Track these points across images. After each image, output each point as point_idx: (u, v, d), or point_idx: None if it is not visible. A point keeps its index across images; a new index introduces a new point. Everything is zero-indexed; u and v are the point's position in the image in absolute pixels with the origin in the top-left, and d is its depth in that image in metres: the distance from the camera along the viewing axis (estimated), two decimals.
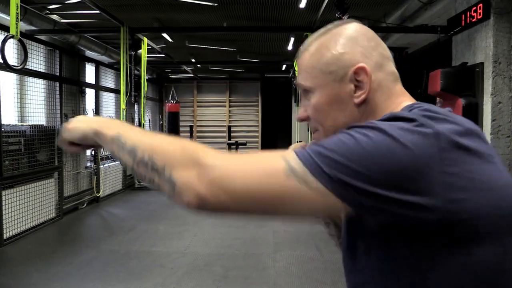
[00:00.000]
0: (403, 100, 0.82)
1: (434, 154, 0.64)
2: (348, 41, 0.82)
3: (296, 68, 8.58)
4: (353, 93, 0.80)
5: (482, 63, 3.85)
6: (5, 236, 5.19)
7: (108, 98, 8.86)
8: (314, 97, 0.83)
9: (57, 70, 6.65)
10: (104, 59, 8.16)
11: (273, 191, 0.67)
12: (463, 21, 4.08)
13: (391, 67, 0.84)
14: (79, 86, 7.40)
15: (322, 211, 0.70)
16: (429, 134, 0.65)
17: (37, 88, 6.15)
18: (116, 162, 8.51)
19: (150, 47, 7.16)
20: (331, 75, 0.81)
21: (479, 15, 3.80)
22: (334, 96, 0.81)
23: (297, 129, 10.86)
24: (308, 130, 9.50)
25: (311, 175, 0.66)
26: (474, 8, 3.87)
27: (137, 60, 6.61)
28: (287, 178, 0.66)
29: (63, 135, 0.92)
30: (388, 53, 0.84)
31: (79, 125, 0.89)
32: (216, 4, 5.42)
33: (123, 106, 6.20)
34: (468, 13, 3.98)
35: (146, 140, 0.75)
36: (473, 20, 3.90)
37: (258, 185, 0.67)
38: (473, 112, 3.80)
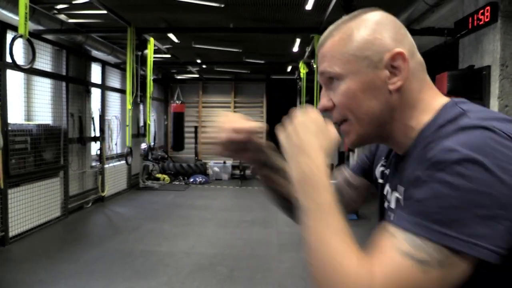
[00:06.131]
0: (436, 94, 0.80)
1: None
2: (380, 26, 0.78)
3: (302, 69, 8.59)
4: (387, 80, 0.77)
5: (489, 66, 3.84)
6: (11, 234, 5.22)
7: (114, 98, 8.89)
8: (344, 83, 0.78)
9: (64, 70, 6.68)
10: (111, 59, 8.19)
11: None
12: (470, 24, 4.06)
13: (419, 56, 0.81)
14: (86, 85, 7.43)
15: (462, 279, 0.64)
16: None
17: (44, 87, 6.19)
18: (121, 162, 8.55)
19: (156, 47, 7.19)
20: (365, 60, 0.77)
21: (487, 18, 3.79)
22: (369, 83, 0.77)
23: None
24: None
25: (440, 255, 0.61)
26: (482, 11, 3.86)
27: (143, 60, 6.63)
28: (422, 275, 0.62)
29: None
30: (414, 43, 0.82)
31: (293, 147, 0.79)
32: (223, 5, 5.43)
33: (129, 106, 6.22)
34: (475, 15, 3.97)
35: (319, 236, 0.70)
36: (481, 23, 3.89)
37: None
38: None
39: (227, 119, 0.97)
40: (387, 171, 0.92)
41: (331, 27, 0.83)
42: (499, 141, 0.64)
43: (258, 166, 1.03)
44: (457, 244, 0.61)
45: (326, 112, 0.83)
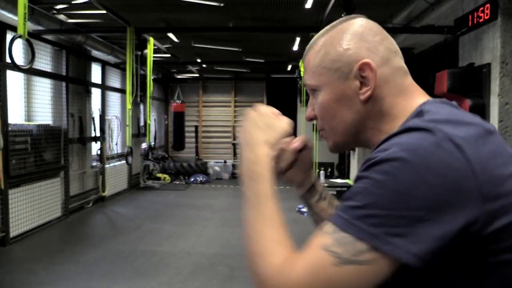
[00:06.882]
0: (416, 96, 0.79)
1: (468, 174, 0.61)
2: (353, 36, 0.79)
3: (302, 68, 8.58)
4: (358, 90, 0.78)
5: (489, 64, 3.84)
6: (11, 235, 5.22)
7: (114, 98, 8.90)
8: (320, 95, 0.82)
9: (64, 70, 6.68)
10: (111, 59, 8.19)
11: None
12: (470, 22, 4.06)
13: (399, 61, 0.80)
14: (86, 85, 7.43)
15: (382, 279, 0.64)
16: (454, 154, 0.62)
17: (44, 87, 6.19)
18: (122, 162, 8.54)
19: (156, 47, 7.18)
20: (336, 72, 0.79)
21: (487, 15, 3.78)
22: (340, 94, 0.79)
23: (303, 129, 10.85)
24: (313, 130, 9.49)
25: (358, 251, 0.62)
26: (482, 8, 3.85)
27: (143, 60, 6.63)
28: (338, 268, 0.63)
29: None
30: (396, 47, 0.81)
31: (247, 137, 0.85)
32: (222, 4, 5.43)
33: (129, 106, 6.22)
34: (475, 13, 3.96)
35: (253, 225, 0.75)
36: (481, 20, 3.88)
37: None
38: (480, 113, 3.79)
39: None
40: None
41: (316, 36, 0.85)
42: (436, 143, 0.62)
43: (308, 190, 0.99)
44: (376, 241, 0.61)
45: (312, 121, 0.88)
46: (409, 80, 0.80)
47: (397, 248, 0.60)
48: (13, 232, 5.26)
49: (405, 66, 0.81)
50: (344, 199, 0.67)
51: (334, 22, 0.84)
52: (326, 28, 0.84)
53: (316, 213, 1.00)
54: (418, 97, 0.78)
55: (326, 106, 0.81)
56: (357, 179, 0.66)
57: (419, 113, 0.72)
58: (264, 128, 0.85)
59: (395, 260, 0.61)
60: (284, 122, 0.88)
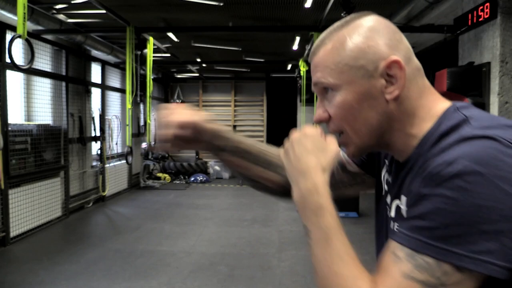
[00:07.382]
0: (437, 99, 0.77)
1: None
2: (373, 33, 0.75)
3: (302, 67, 8.58)
4: (384, 89, 0.74)
5: (489, 63, 3.83)
6: (12, 235, 5.23)
7: (114, 98, 8.90)
8: (340, 95, 0.76)
9: (64, 70, 6.68)
10: (110, 58, 8.18)
11: None
12: (469, 21, 4.06)
13: (416, 60, 0.78)
14: (85, 85, 7.43)
15: None
16: None
17: (43, 87, 6.19)
18: (122, 161, 8.54)
19: (156, 46, 7.17)
20: (360, 70, 0.74)
21: (486, 14, 3.78)
22: (365, 93, 0.74)
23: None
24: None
25: (443, 273, 0.60)
26: (481, 7, 3.85)
27: (143, 59, 6.62)
28: None
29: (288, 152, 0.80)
30: (410, 46, 0.78)
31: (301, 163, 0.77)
32: (221, 4, 5.43)
33: (129, 105, 6.21)
34: (475, 12, 3.96)
35: (325, 264, 0.70)
36: (480, 19, 3.88)
37: None
38: None
39: (169, 112, 0.93)
40: (389, 179, 0.88)
41: (323, 35, 0.80)
42: (502, 151, 0.61)
43: (216, 152, 1.00)
44: (462, 261, 0.59)
45: (322, 123, 0.82)
46: (427, 81, 0.78)
47: (484, 264, 0.59)
48: (13, 232, 5.26)
49: (420, 65, 0.79)
50: (410, 219, 0.65)
51: (347, 18, 0.79)
52: (337, 24, 0.79)
53: (237, 171, 1.03)
54: (439, 100, 0.77)
55: (348, 107, 0.75)
56: (422, 197, 0.63)
57: (463, 120, 0.69)
58: (314, 151, 0.77)
59: (481, 277, 0.60)
60: (333, 143, 0.80)
